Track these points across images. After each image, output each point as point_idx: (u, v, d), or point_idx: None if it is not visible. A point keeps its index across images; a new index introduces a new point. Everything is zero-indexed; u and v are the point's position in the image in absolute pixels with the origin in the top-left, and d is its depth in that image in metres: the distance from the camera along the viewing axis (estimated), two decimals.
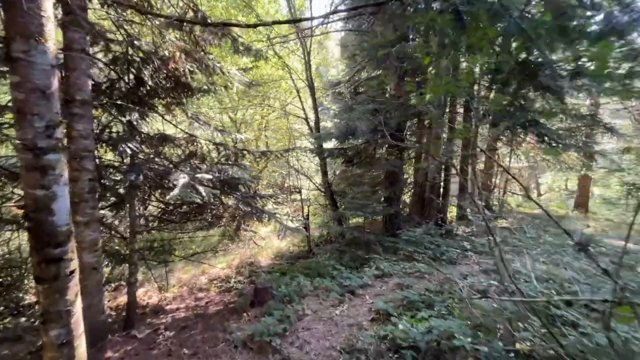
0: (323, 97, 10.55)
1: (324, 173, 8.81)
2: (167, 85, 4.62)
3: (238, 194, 4.98)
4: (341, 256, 5.86)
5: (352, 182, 8.81)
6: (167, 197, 3.20)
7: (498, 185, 13.03)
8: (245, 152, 5.30)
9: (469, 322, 2.81)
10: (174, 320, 4.85)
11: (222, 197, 5.01)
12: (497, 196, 12.48)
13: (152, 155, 4.60)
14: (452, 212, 9.03)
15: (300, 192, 9.18)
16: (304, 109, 9.16)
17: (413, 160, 8.19)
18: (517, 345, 2.38)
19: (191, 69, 4.30)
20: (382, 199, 6.88)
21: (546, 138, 6.66)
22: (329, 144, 9.63)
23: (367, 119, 6.87)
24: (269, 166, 11.40)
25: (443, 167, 6.44)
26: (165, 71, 4.23)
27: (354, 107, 7.54)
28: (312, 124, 9.30)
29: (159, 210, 5.36)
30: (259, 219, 5.30)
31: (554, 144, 6.20)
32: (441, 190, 7.34)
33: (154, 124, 5.58)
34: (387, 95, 7.75)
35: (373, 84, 8.41)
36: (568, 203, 15.18)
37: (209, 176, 4.09)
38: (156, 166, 4.37)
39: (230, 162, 5.03)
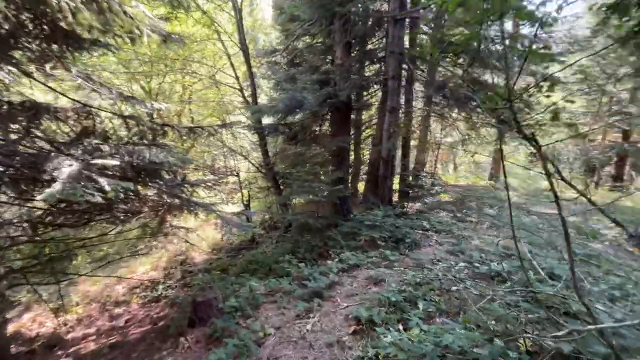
0: (256, 67, 9.30)
1: (265, 153, 7.82)
2: (38, 30, 3.10)
3: (160, 182, 3.81)
4: (294, 247, 5.16)
5: (296, 161, 8.04)
6: (40, 197, 2.00)
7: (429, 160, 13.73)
8: (167, 128, 4.06)
9: (474, 327, 2.42)
10: (77, 357, 3.60)
11: (139, 188, 3.77)
12: (430, 171, 13.15)
13: (21, 134, 3.10)
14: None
15: (238, 174, 8.06)
16: (237, 78, 7.85)
17: (364, 137, 7.76)
18: None
19: (74, 5, 2.88)
20: (331, 179, 6.29)
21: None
22: (268, 120, 8.61)
23: (314, 89, 6.07)
24: (197, 145, 9.83)
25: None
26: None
27: (297, 77, 6.64)
28: (248, 95, 8.09)
29: (43, 211, 3.83)
30: (190, 212, 4.21)
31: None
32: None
33: (25, 89, 3.87)
34: (332, 64, 7.01)
35: (316, 49, 7.56)
36: (484, 175, 17.00)
37: (115, 162, 2.87)
38: (26, 149, 2.94)
39: (146, 142, 3.77)
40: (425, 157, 12.69)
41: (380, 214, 4.91)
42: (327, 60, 7.46)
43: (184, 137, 4.87)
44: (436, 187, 8.48)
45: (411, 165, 9.96)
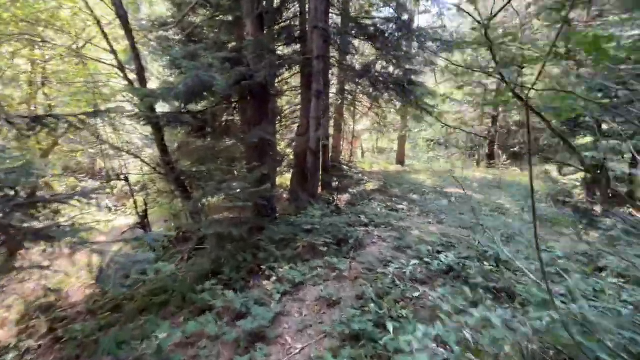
0: (141, 43, 7.46)
1: (163, 149, 6.27)
2: None
3: None
4: (215, 266, 4.11)
5: (205, 156, 6.78)
6: None
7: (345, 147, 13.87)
8: None
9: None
10: None
11: None
12: (345, 157, 13.28)
13: None
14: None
15: (126, 178, 6.30)
16: (114, 53, 6.01)
17: (284, 125, 6.96)
18: None
19: None
20: (253, 177, 5.38)
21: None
22: (164, 108, 7.00)
23: (223, 69, 4.95)
24: (62, 143, 7.39)
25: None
26: None
27: (200, 54, 5.37)
28: (133, 76, 6.32)
29: None
30: (49, 241, 2.79)
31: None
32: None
33: None
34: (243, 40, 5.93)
35: (220, 23, 6.34)
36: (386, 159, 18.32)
37: None
38: None
39: None
40: (341, 145, 12.74)
41: (318, 214, 4.29)
42: (236, 36, 6.33)
43: (27, 132, 3.26)
44: (359, 176, 8.39)
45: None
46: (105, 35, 5.85)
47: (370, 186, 7.60)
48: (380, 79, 5.58)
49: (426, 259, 3.51)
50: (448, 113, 14.76)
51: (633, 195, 5.63)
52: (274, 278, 3.40)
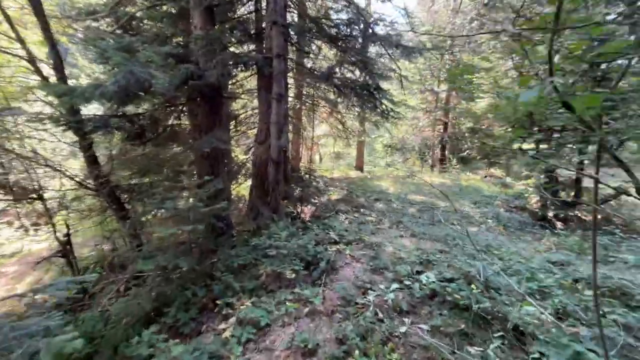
0: (62, 33, 6.35)
1: (91, 159, 5.23)
2: None
3: None
4: (158, 304, 3.36)
5: (147, 167, 5.88)
6: None
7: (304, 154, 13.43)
8: None
9: None
10: None
11: None
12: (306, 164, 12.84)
13: None
14: None
15: (40, 196, 5.15)
16: (21, 41, 4.87)
17: (239, 132, 6.28)
18: None
19: None
20: (206, 192, 4.65)
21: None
22: (95, 111, 5.99)
23: (167, 66, 4.20)
24: None
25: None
26: None
27: (137, 49, 4.53)
28: (48, 70, 5.22)
29: None
30: None
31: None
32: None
33: None
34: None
35: (161, 14, 5.51)
36: (342, 164, 18.28)
37: None
38: None
39: None
40: (300, 152, 12.29)
41: (284, 234, 3.73)
42: (182, 29, 5.55)
43: None
44: (322, 184, 7.98)
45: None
46: (9, 19, 4.71)
47: (334, 195, 7.22)
48: (348, 82, 5.23)
49: (407, 282, 3.15)
50: (404, 119, 15.10)
51: (579, 200, 5.93)
52: (232, 319, 2.78)
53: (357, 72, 6.30)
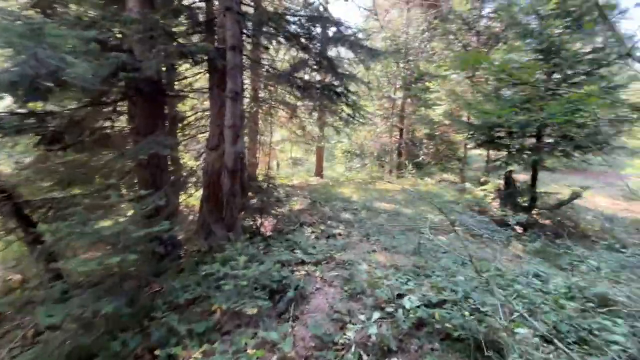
0: None
1: None
2: None
3: None
4: (77, 355, 2.55)
5: (69, 177, 4.89)
6: None
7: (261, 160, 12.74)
8: None
9: None
10: None
11: None
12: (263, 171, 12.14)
13: None
14: None
15: None
16: None
17: (187, 136, 5.48)
18: None
19: None
20: (143, 208, 3.85)
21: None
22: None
23: (90, 53, 3.37)
24: None
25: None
26: None
27: (50, 32, 3.62)
28: None
29: None
30: None
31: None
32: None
33: None
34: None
35: None
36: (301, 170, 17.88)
37: None
38: None
39: None
40: (258, 158, 11.58)
41: (242, 258, 3.10)
42: (113, 15, 4.65)
43: None
44: (282, 193, 7.40)
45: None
46: None
47: (297, 205, 6.69)
48: (311, 83, 4.77)
49: (388, 308, 2.74)
50: (365, 124, 15.15)
51: (535, 205, 6.13)
52: None
53: (319, 74, 5.90)
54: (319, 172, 15.60)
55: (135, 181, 5.08)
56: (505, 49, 6.63)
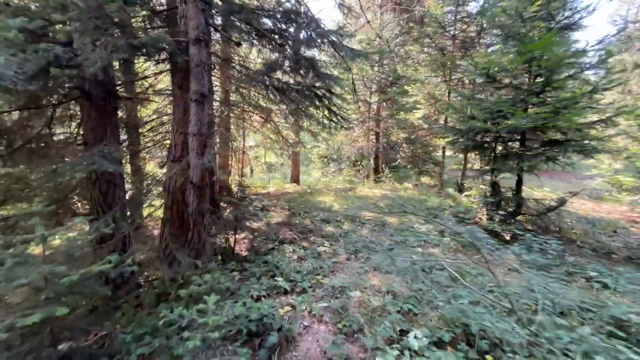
0: None
1: None
2: None
3: None
4: None
5: (4, 193, 4.11)
6: None
7: (234, 166, 12.02)
8: None
9: None
10: None
11: None
12: (236, 179, 11.43)
13: None
14: None
15: None
16: None
17: (147, 144, 4.78)
18: None
19: None
20: (92, 236, 3.16)
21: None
22: None
23: (13, 43, 2.66)
24: None
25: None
26: None
27: None
28: None
29: None
30: None
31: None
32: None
33: None
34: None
35: None
36: (277, 176, 17.26)
37: None
38: None
39: None
40: (230, 165, 10.87)
41: (212, 298, 2.51)
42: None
43: None
44: (257, 203, 6.82)
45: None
46: None
47: (275, 218, 6.12)
48: (290, 85, 4.25)
49: (393, 351, 2.29)
50: (347, 129, 14.86)
51: (520, 211, 6.00)
52: None
53: (297, 76, 5.42)
54: (295, 179, 15.06)
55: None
56: (484, 53, 6.52)
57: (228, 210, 6.01)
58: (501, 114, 5.29)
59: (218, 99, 8.65)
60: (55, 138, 4.71)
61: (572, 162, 5.63)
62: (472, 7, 9.41)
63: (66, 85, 3.69)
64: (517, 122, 4.61)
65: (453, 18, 9.71)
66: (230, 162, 10.80)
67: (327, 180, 14.79)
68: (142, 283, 4.16)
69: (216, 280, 2.90)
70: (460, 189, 9.28)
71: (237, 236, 4.91)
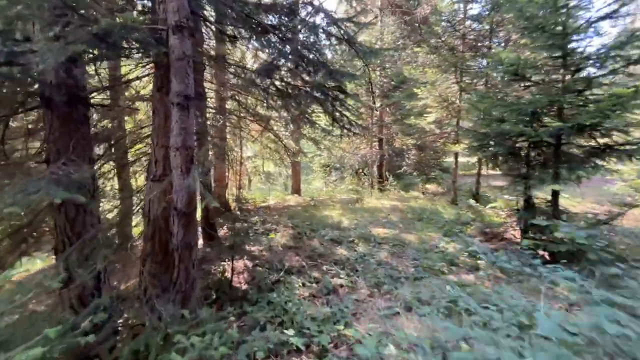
0: None
1: None
2: None
3: None
4: None
5: None
6: None
7: (231, 179, 11.32)
8: None
9: None
10: None
11: None
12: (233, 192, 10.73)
13: None
14: None
15: None
16: None
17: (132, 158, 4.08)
18: None
19: None
20: (58, 279, 2.46)
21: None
22: None
23: None
24: None
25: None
26: None
27: None
28: None
29: None
30: None
31: None
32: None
33: None
34: None
35: None
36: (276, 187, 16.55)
37: None
38: None
39: None
40: (226, 177, 10.16)
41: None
42: None
43: None
44: (257, 219, 6.09)
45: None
46: None
47: (278, 239, 5.38)
48: (300, 86, 3.57)
49: None
50: (360, 135, 14.25)
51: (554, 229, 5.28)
52: None
53: (299, 77, 4.75)
54: (296, 189, 14.35)
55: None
56: (508, 50, 5.90)
57: (225, 227, 5.29)
58: (535, 115, 4.63)
59: (212, 106, 8.02)
60: (18, 154, 4.01)
61: (615, 168, 4.97)
62: (483, 3, 8.85)
63: (21, 90, 3.00)
64: (561, 124, 3.95)
65: (462, 16, 9.15)
66: (227, 173, 10.12)
67: (330, 190, 14.08)
68: (119, 329, 3.42)
69: (208, 344, 2.15)
70: (476, 198, 8.58)
71: (235, 263, 4.17)
